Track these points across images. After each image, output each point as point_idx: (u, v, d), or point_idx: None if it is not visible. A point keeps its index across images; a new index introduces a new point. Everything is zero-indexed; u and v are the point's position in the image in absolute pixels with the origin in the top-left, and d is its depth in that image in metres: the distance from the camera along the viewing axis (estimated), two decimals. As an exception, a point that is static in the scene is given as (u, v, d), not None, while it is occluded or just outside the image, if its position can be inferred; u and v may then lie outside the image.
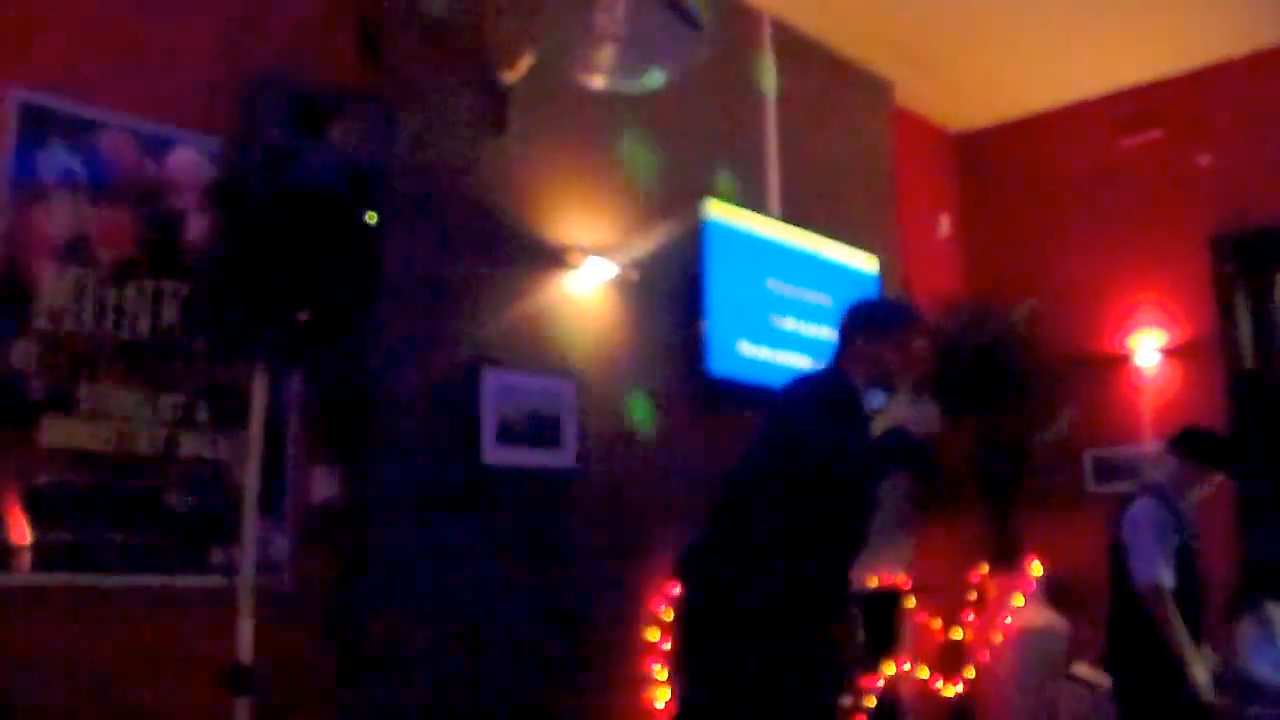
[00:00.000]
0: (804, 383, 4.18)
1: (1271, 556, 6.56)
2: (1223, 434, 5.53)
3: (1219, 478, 5.34)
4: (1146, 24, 7.07)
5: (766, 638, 3.81)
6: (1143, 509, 5.21)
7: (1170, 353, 7.46)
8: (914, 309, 4.55)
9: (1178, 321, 7.46)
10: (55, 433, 3.91)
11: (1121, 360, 7.60)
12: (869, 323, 4.21)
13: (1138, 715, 5.22)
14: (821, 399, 4.02)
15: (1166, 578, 5.00)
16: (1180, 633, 4.94)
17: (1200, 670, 4.95)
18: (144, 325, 4.16)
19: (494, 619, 4.74)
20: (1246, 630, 5.88)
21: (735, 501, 4.04)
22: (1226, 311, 7.34)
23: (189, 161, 4.31)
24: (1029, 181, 8.31)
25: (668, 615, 5.26)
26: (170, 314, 4.22)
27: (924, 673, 6.72)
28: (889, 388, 4.10)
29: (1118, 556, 5.21)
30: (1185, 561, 5.13)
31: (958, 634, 7.02)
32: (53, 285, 3.96)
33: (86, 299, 4.04)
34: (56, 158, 4.01)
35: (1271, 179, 7.19)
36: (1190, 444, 5.35)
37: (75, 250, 4.02)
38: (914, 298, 7.22)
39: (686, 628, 4.18)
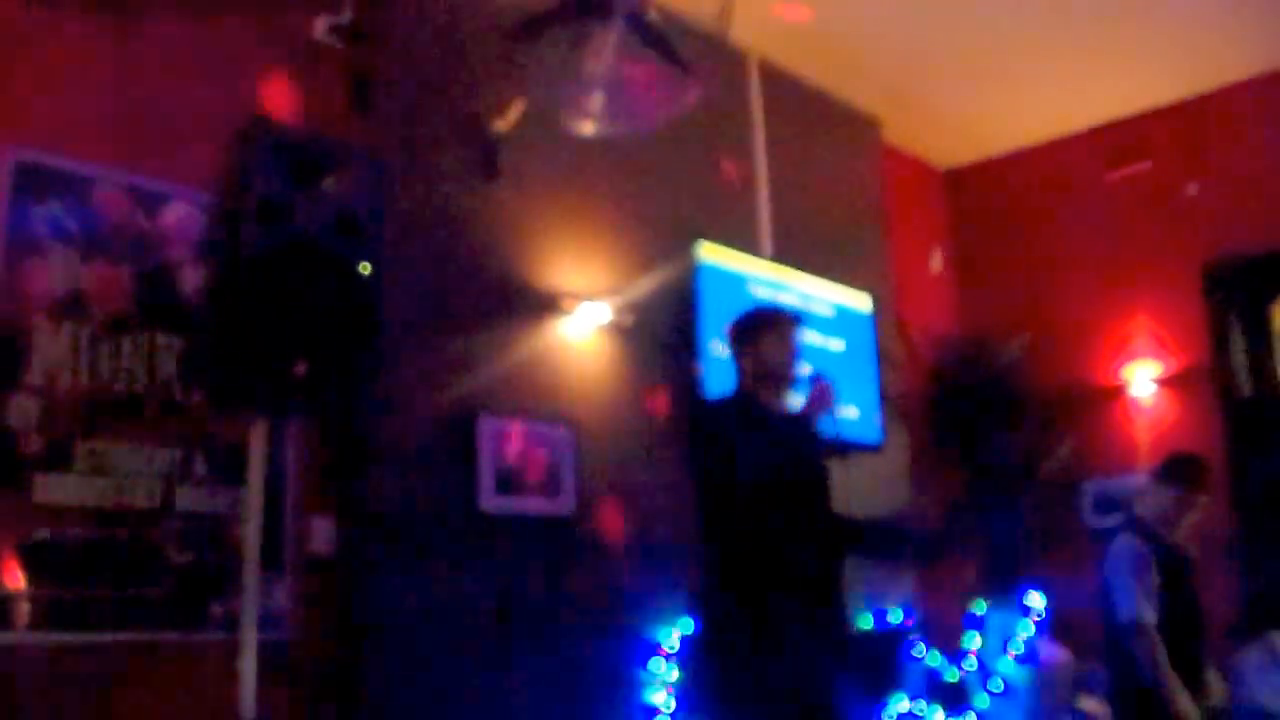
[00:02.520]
0: (704, 410, 4.50)
1: (1273, 585, 6.55)
2: (1203, 457, 5.54)
3: (1205, 499, 5.34)
4: (1131, 57, 7.13)
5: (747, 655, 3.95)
6: (1121, 545, 5.21)
7: (1165, 383, 7.48)
8: (777, 306, 4.67)
9: (1172, 351, 7.48)
10: (51, 488, 3.90)
11: (1117, 391, 7.62)
12: (740, 333, 4.37)
13: None
14: (713, 417, 4.34)
15: (1146, 613, 5.00)
16: (1163, 665, 4.93)
17: (1185, 701, 4.93)
18: (140, 379, 4.16)
19: (493, 667, 4.71)
20: (1252, 659, 5.86)
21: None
22: (1220, 340, 7.36)
23: (182, 215, 4.32)
24: (1019, 216, 8.35)
25: (668, 659, 5.24)
26: (166, 368, 4.22)
27: (927, 711, 6.68)
28: (784, 384, 4.28)
29: (1104, 591, 5.23)
30: (1179, 592, 5.12)
31: (960, 671, 6.99)
32: (48, 341, 3.96)
33: (82, 354, 4.03)
34: (51, 214, 4.02)
35: (1261, 207, 7.23)
36: (1175, 471, 5.36)
37: (70, 305, 4.03)
38: (908, 334, 7.26)
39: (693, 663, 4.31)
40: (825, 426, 4.27)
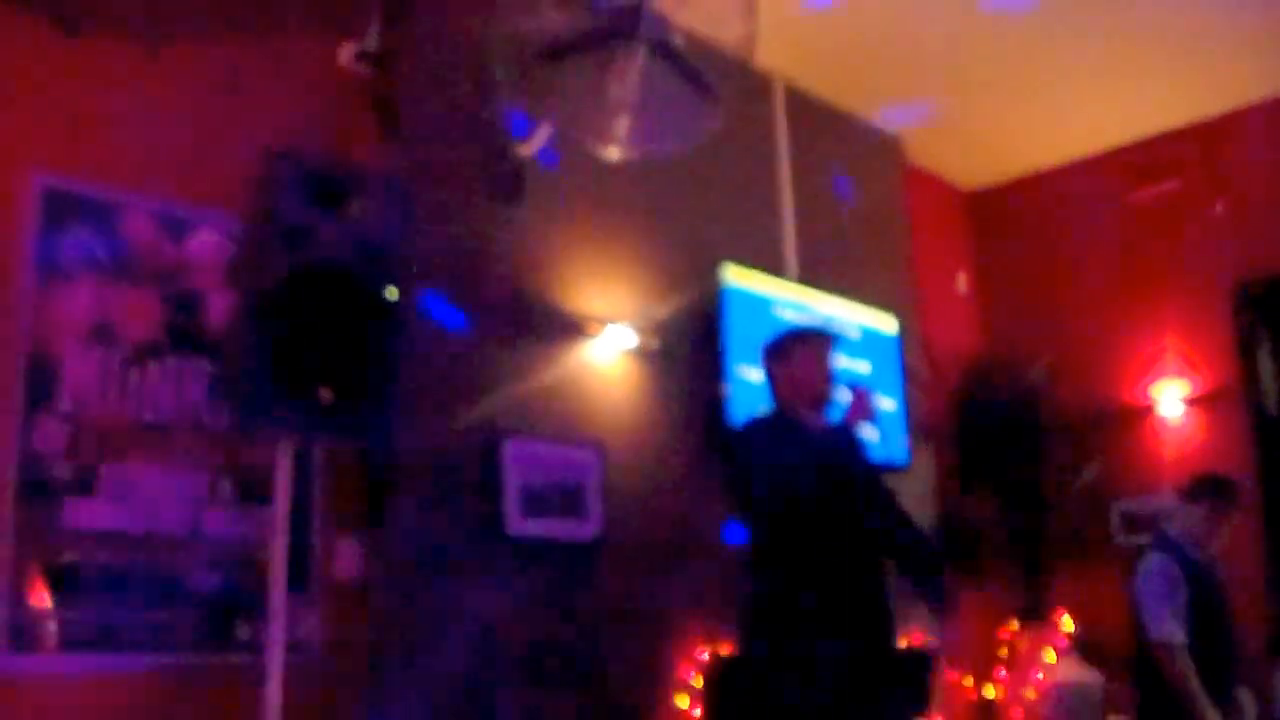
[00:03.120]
0: (740, 429, 4.49)
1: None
2: (1231, 476, 5.52)
3: (1237, 517, 5.33)
4: (1155, 76, 7.10)
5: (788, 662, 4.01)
6: (1151, 564, 5.21)
7: (1194, 402, 7.43)
8: (812, 326, 4.70)
9: (1200, 371, 7.44)
10: (80, 513, 3.93)
11: (1145, 411, 7.57)
12: (774, 353, 4.45)
13: None
14: (749, 436, 4.35)
15: (1176, 633, 4.99)
16: (1193, 685, 4.92)
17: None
18: (167, 405, 4.19)
19: (522, 691, 4.71)
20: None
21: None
22: (1249, 359, 7.32)
23: (209, 241, 4.35)
24: (1046, 236, 8.31)
25: (696, 682, 5.23)
26: (193, 393, 4.25)
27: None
28: (819, 402, 4.32)
29: (1133, 611, 5.21)
30: (1210, 610, 5.10)
31: (990, 692, 6.96)
32: (77, 367, 3.99)
33: (110, 380, 4.07)
34: (79, 241, 4.06)
35: (1289, 226, 7.19)
36: (1204, 489, 5.35)
37: (99, 332, 4.06)
38: (933, 355, 7.24)
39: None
40: (866, 435, 4.29)
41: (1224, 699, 5.02)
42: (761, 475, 4.16)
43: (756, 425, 4.39)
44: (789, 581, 4.06)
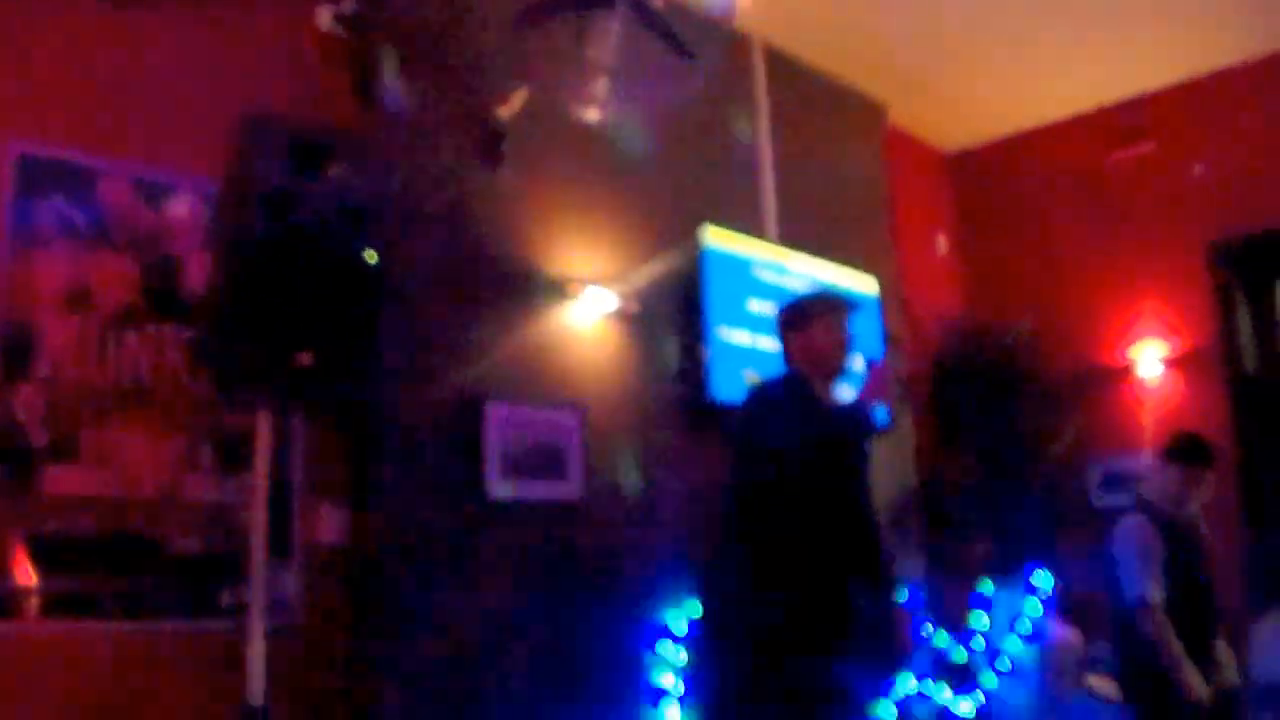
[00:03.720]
0: (754, 392, 4.37)
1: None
2: (1208, 436, 5.55)
3: (1212, 477, 5.36)
4: (1135, 38, 7.10)
5: (771, 647, 3.95)
6: (1129, 525, 5.25)
7: (1172, 362, 7.47)
8: (830, 293, 4.63)
9: (1178, 331, 7.47)
10: (59, 480, 3.92)
11: (1124, 372, 7.61)
12: (789, 320, 4.36)
13: None
14: (766, 402, 4.22)
15: (1153, 592, 5.03)
16: (1171, 643, 4.97)
17: (1194, 677, 4.96)
18: (146, 370, 4.17)
19: (503, 653, 4.73)
20: (1262, 633, 5.88)
21: (729, 517, 4.23)
22: (1227, 319, 7.36)
23: (187, 206, 4.33)
24: (1024, 198, 8.33)
25: (676, 642, 5.25)
26: (172, 359, 4.23)
27: (935, 690, 6.70)
28: (835, 372, 4.24)
29: (1111, 571, 5.25)
30: (1187, 569, 5.15)
31: (968, 651, 7.00)
32: (54, 333, 3.97)
33: (88, 346, 4.05)
34: (56, 207, 4.03)
35: (1265, 186, 7.21)
36: (1180, 449, 5.38)
37: (76, 298, 4.04)
38: (913, 317, 7.25)
39: (702, 638, 4.28)
40: (878, 414, 4.21)
41: (1202, 657, 5.07)
42: (766, 440, 4.09)
43: (766, 389, 4.33)
44: (780, 553, 4.01)
